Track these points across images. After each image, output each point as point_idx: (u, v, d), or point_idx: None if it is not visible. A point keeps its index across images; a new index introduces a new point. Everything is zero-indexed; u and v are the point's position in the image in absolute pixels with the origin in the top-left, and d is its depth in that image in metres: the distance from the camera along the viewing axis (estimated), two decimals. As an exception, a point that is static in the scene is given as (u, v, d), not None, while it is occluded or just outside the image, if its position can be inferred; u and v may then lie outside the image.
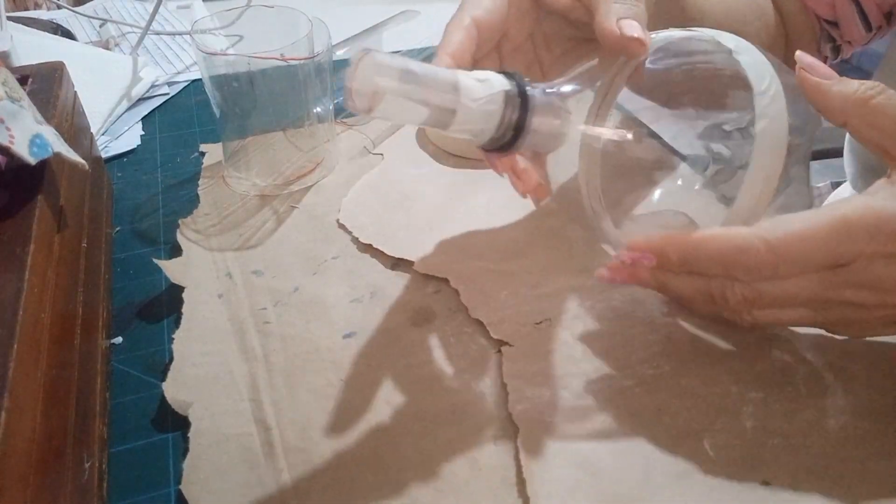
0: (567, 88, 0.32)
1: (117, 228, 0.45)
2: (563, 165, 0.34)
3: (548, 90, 0.31)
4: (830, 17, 0.50)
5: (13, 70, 0.40)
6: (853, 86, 0.28)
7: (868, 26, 0.49)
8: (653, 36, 0.32)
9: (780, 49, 0.53)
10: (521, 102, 0.29)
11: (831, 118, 0.29)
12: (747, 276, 0.28)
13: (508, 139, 0.29)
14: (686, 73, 0.35)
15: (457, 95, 0.27)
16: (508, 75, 0.29)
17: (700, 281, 0.30)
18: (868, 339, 0.33)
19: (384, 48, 0.68)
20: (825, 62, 0.52)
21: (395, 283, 0.40)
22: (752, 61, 0.31)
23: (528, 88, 0.29)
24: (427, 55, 0.67)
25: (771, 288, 0.28)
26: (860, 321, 0.29)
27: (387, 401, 0.33)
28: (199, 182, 0.49)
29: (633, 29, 0.30)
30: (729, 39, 0.32)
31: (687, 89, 0.35)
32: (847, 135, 0.54)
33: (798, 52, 0.30)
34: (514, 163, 0.35)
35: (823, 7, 0.50)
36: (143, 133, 0.56)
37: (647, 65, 0.33)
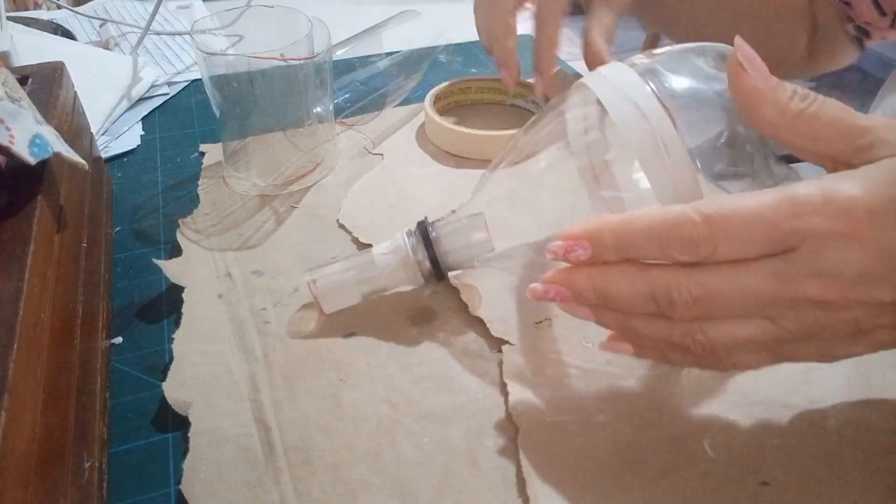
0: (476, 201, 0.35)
1: (117, 228, 0.45)
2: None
3: (454, 211, 0.36)
4: None
5: (13, 70, 0.40)
6: (787, 93, 0.26)
7: (881, 11, 0.48)
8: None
9: (804, 28, 0.52)
10: (423, 237, 0.35)
11: (760, 128, 0.27)
12: (684, 252, 0.25)
13: (435, 270, 0.35)
14: None
15: (371, 255, 0.36)
16: (418, 225, 0.35)
17: (640, 278, 0.26)
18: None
19: (384, 48, 0.68)
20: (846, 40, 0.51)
21: (395, 283, 0.40)
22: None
23: (428, 226, 0.35)
24: (428, 55, 0.67)
25: (719, 282, 0.25)
26: (823, 331, 0.25)
27: (387, 401, 0.33)
28: (199, 182, 0.49)
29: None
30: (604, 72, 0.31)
31: None
32: None
33: (737, 39, 0.27)
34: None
35: None
36: (143, 133, 0.56)
37: None
